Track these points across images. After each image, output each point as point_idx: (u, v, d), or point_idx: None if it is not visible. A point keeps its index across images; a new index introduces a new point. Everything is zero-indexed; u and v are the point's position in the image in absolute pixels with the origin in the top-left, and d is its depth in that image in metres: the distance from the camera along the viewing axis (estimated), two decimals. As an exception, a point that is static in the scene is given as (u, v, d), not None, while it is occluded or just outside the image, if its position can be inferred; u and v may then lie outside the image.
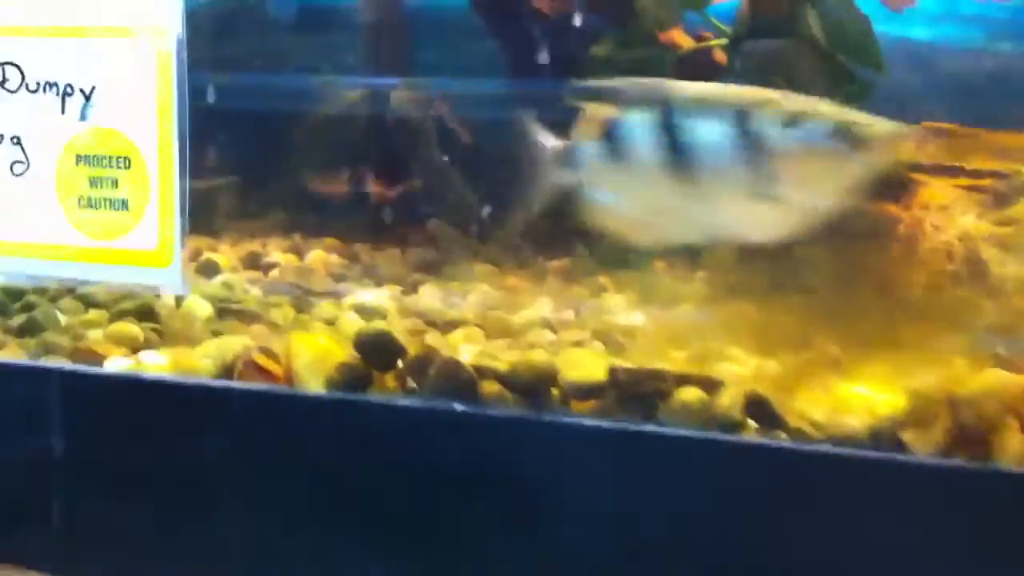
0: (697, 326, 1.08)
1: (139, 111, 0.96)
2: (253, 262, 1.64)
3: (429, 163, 1.69)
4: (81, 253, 1.00)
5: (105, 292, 1.34)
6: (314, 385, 0.97)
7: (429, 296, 1.49)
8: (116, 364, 1.07)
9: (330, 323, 1.33)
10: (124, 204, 0.98)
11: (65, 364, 1.06)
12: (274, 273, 1.60)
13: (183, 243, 0.97)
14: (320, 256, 1.69)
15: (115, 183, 0.98)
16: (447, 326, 1.27)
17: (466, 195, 1.64)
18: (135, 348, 1.21)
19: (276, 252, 1.71)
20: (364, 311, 1.36)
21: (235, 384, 0.98)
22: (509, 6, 1.59)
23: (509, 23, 1.61)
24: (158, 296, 1.24)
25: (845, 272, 1.02)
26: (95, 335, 1.22)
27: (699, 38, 1.57)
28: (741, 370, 0.95)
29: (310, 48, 1.74)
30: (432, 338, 1.06)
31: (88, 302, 1.34)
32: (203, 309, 1.30)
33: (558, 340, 1.10)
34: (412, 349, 0.96)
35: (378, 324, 0.96)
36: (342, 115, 1.68)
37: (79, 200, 0.99)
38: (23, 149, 1.00)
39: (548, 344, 1.06)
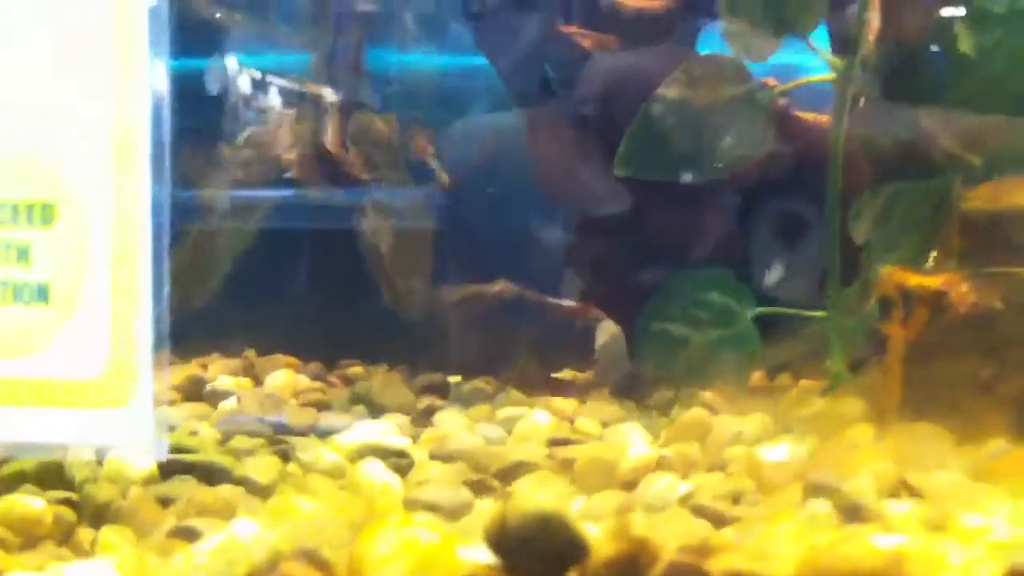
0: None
1: (74, 118, 0.51)
2: (195, 390, 1.19)
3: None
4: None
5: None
6: (411, 621, 0.51)
7: (456, 425, 1.06)
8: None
9: (335, 476, 0.90)
10: (41, 293, 0.53)
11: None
12: (227, 405, 1.15)
13: (161, 365, 0.51)
14: (288, 379, 1.25)
15: (24, 254, 0.53)
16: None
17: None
18: (40, 539, 0.75)
19: (222, 374, 1.27)
20: (382, 454, 0.93)
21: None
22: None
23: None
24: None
25: None
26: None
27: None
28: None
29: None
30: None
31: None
32: (136, 464, 0.84)
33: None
34: (603, 546, 0.51)
35: (540, 500, 0.52)
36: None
37: (-46, 289, 0.54)
38: None
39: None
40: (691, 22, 1.28)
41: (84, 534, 0.77)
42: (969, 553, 0.55)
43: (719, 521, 0.70)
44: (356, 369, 1.35)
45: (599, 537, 0.51)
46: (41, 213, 0.51)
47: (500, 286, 1.32)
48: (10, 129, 0.51)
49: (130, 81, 0.49)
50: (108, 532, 0.76)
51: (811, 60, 1.24)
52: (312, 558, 0.53)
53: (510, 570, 0.51)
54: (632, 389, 1.19)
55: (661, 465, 0.86)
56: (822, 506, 0.67)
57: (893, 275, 0.99)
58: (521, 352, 1.31)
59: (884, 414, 0.96)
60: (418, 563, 0.51)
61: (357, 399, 1.19)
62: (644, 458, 0.87)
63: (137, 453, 0.59)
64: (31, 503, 0.76)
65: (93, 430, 0.55)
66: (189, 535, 0.74)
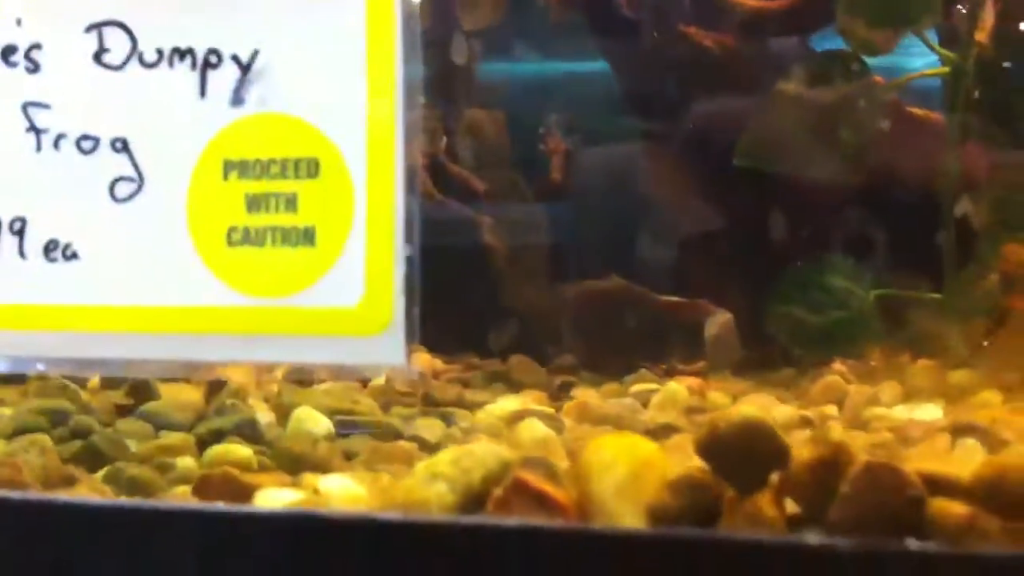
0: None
1: (336, 86, 0.60)
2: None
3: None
4: (233, 318, 0.62)
5: (175, 409, 0.99)
6: (630, 518, 0.59)
7: (594, 398, 1.13)
8: (277, 498, 0.68)
9: (495, 436, 0.97)
10: (309, 236, 0.61)
11: (202, 505, 0.67)
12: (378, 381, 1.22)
13: (411, 297, 0.59)
14: (425, 360, 1.32)
15: (292, 203, 0.61)
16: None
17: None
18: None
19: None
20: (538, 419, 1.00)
21: (498, 521, 0.60)
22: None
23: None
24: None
25: None
26: (185, 464, 0.86)
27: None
28: None
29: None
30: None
31: (155, 422, 0.98)
32: (318, 424, 0.93)
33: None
34: (805, 450, 0.58)
35: (747, 411, 0.59)
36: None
37: (230, 233, 0.62)
38: (131, 158, 0.63)
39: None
40: (808, 19, 1.35)
41: (284, 479, 0.86)
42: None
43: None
44: (472, 359, 1.43)
45: (799, 443, 0.58)
46: (307, 167, 0.59)
47: (613, 283, 1.40)
48: (283, 91, 0.59)
49: (383, 59, 0.57)
50: (308, 476, 0.84)
51: (907, 60, 1.31)
52: (540, 465, 0.61)
53: (719, 473, 0.59)
54: (748, 370, 1.26)
55: (804, 424, 0.93)
56: (972, 442, 0.74)
57: (1016, 253, 1.05)
58: (631, 344, 1.37)
59: (1008, 380, 1.02)
60: (636, 468, 0.59)
61: (494, 377, 1.27)
62: (787, 416, 0.94)
63: (390, 374, 0.67)
64: (243, 449, 0.84)
65: (352, 354, 0.63)
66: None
